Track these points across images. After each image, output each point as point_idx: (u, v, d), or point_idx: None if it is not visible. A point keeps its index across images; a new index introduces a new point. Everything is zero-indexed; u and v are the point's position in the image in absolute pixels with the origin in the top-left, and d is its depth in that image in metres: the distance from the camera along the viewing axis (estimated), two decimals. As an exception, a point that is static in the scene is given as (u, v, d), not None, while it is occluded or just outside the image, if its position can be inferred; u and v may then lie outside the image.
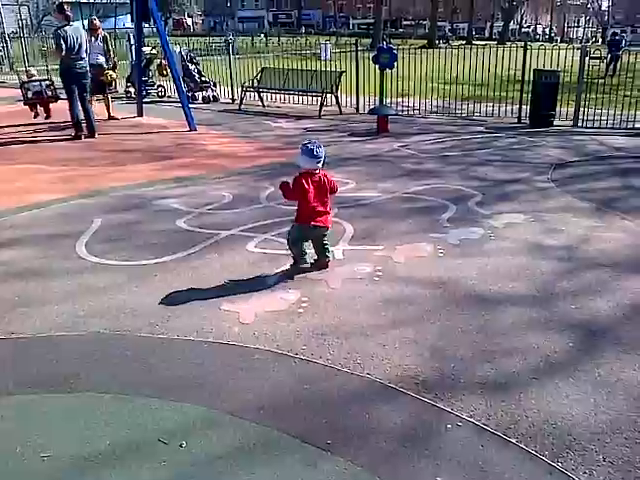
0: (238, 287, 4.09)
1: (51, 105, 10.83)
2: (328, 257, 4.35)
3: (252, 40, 30.10)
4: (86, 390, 2.91)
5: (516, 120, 11.35)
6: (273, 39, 33.27)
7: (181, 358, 3.20)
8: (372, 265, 4.43)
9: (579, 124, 10.77)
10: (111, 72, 11.40)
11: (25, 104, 10.64)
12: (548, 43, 23.86)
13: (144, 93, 15.11)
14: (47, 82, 10.69)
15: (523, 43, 11.57)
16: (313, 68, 13.29)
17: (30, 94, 10.34)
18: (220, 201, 6.25)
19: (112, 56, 11.47)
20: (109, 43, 11.32)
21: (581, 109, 10.88)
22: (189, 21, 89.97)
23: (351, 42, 14.27)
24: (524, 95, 11.28)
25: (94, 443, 2.53)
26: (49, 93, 10.52)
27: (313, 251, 4.37)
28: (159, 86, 15.63)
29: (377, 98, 11.37)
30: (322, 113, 12.28)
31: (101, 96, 11.61)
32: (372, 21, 55.87)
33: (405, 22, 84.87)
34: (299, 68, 13.31)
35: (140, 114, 12.35)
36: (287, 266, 4.40)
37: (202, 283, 4.16)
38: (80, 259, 4.62)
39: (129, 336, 3.44)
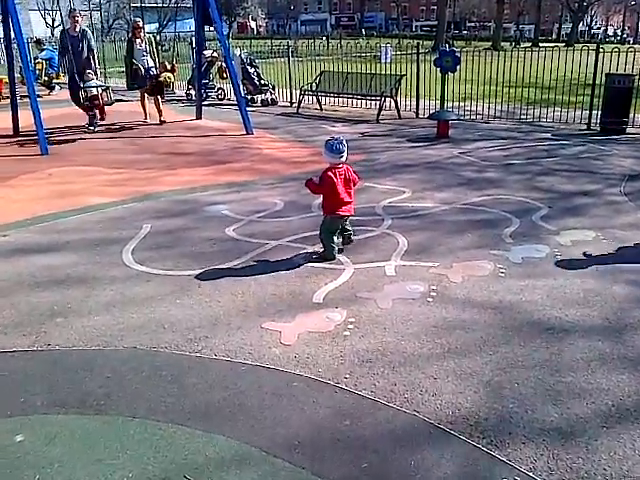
0: (282, 302, 3.89)
1: (107, 108, 10.96)
2: (351, 234, 4.80)
3: (314, 43, 30.08)
4: (115, 413, 2.76)
5: (585, 127, 10.74)
6: (334, 42, 33.13)
7: (216, 381, 3.02)
8: (426, 284, 4.14)
9: (656, 132, 10.09)
10: (169, 74, 11.46)
11: (81, 107, 10.77)
12: (621, 45, 22.77)
13: (204, 96, 15.31)
14: (103, 86, 10.84)
15: (595, 45, 10.92)
16: (373, 71, 13.02)
17: (86, 97, 10.46)
18: (271, 208, 6.08)
19: (158, 59, 11.53)
20: (154, 45, 11.39)
21: (658, 116, 10.19)
22: (253, 24, 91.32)
23: (413, 45, 13.93)
24: (594, 100, 10.66)
25: (114, 476, 2.37)
26: (104, 98, 10.63)
27: (340, 241, 4.77)
28: (219, 89, 15.74)
29: (438, 102, 11.01)
30: (380, 117, 12.00)
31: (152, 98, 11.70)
32: (435, 23, 54.97)
33: (469, 24, 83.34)
34: (358, 71, 13.08)
35: (199, 117, 12.41)
36: (315, 252, 4.74)
37: (246, 297, 3.98)
38: (125, 267, 4.53)
39: (165, 354, 3.28)
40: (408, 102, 12.68)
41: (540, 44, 35.75)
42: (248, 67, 14.64)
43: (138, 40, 11.10)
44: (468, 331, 3.48)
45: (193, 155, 8.92)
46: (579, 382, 2.97)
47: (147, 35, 11.49)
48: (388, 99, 12.22)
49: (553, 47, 11.94)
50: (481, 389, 2.92)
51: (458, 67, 10.47)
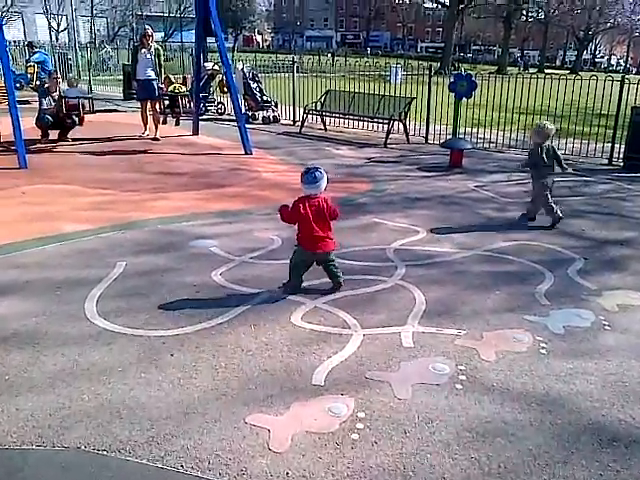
0: (274, 383, 3.11)
1: (86, 117, 10.23)
2: (340, 278, 4.31)
3: (319, 59, 29.58)
4: None
5: (607, 161, 10.03)
6: (340, 59, 32.65)
7: (181, 511, 2.24)
8: (452, 362, 3.37)
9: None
10: (177, 85, 10.67)
11: (60, 116, 10.03)
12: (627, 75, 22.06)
13: (203, 110, 14.61)
14: (86, 97, 10.19)
15: (620, 77, 10.25)
16: (380, 91, 12.33)
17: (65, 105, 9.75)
18: (266, 246, 5.31)
19: (163, 71, 10.76)
20: (161, 57, 10.59)
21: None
22: (259, 38, 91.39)
23: (423, 66, 13.29)
24: (610, 131, 9.97)
25: None
26: (86, 107, 9.93)
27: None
28: (219, 103, 15.04)
29: (448, 127, 10.31)
30: (388, 141, 11.29)
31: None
32: (440, 45, 54.69)
33: (474, 47, 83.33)
34: (366, 92, 12.39)
35: (195, 132, 11.68)
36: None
37: (228, 372, 3.20)
38: (86, 321, 3.74)
39: (116, 461, 2.49)
40: (416, 126, 11.99)
41: (545, 70, 35.37)
42: (250, 82, 13.95)
43: (144, 50, 10.32)
44: (512, 440, 2.70)
45: (186, 176, 8.18)
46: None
47: (155, 45, 10.62)
48: (396, 122, 11.54)
49: (560, 75, 11.32)
50: None
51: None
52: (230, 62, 15.15)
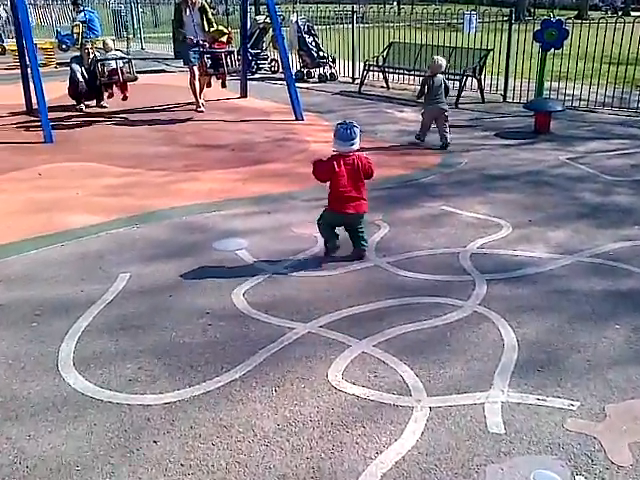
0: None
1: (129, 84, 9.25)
2: (364, 246, 4.06)
3: (384, 8, 27.58)
4: None
5: None
6: (406, 7, 30.44)
7: None
8: (566, 470, 2.22)
9: None
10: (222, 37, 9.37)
11: (99, 85, 9.10)
12: None
13: (254, 68, 13.48)
14: (125, 59, 9.18)
15: None
16: (449, 43, 10.78)
17: (103, 72, 8.80)
18: (308, 249, 4.24)
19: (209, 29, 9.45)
20: (208, 13, 9.22)
21: None
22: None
23: (497, 12, 11.59)
24: None
25: None
26: (125, 73, 8.95)
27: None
28: (272, 60, 13.82)
29: (529, 83, 8.77)
30: (459, 100, 9.84)
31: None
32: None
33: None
34: (434, 44, 10.86)
35: (243, 94, 10.60)
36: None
37: (229, 476, 2.19)
38: (55, 376, 2.80)
39: None
40: (492, 81, 10.42)
41: (632, 13, 31.73)
42: (305, 36, 12.63)
43: (187, 10, 9.00)
44: None
45: (225, 149, 7.15)
46: None
47: (201, 1, 9.02)
48: (470, 78, 10.04)
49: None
50: None
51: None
52: (280, 14, 13.88)
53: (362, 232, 4.01)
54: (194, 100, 9.32)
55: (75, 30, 14.09)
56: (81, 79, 8.82)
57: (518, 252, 4.16)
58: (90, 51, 8.89)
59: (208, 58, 9.16)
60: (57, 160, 6.59)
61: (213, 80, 9.92)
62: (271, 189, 5.65)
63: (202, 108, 9.26)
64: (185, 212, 5.03)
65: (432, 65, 7.13)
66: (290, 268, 3.94)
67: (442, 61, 7.08)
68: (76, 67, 8.85)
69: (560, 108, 7.87)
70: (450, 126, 7.10)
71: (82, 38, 13.47)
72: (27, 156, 6.77)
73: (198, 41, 8.78)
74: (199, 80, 9.19)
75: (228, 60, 9.36)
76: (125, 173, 6.15)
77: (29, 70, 7.88)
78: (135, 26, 20.74)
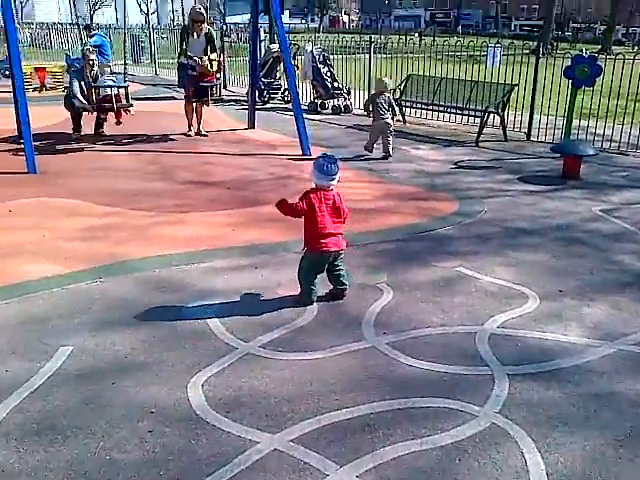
0: None
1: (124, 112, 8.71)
2: (345, 285, 3.82)
3: (405, 39, 27.18)
4: None
5: None
6: (428, 39, 30.10)
7: None
8: None
9: None
10: (210, 64, 8.89)
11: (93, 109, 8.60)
12: None
13: (266, 97, 12.99)
14: (121, 86, 8.70)
15: None
16: (471, 76, 10.14)
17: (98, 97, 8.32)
18: (293, 321, 3.54)
19: (216, 58, 9.02)
20: (215, 41, 8.85)
21: None
22: (345, 19, 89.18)
23: (520, 45, 10.98)
24: None
25: None
26: (122, 100, 8.46)
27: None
28: (285, 89, 13.29)
29: (555, 120, 8.07)
30: (480, 139, 9.17)
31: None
32: (537, 23, 50.10)
33: (572, 24, 76.84)
34: (455, 77, 10.23)
35: (251, 125, 10.06)
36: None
37: None
38: None
39: None
40: (515, 117, 9.72)
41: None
42: (320, 66, 12.10)
43: (195, 34, 8.61)
44: None
45: (221, 187, 6.53)
46: None
47: (207, 28, 8.77)
48: (492, 114, 9.38)
49: None
50: None
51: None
52: (295, 44, 13.46)
53: (341, 269, 3.81)
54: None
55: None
56: (79, 96, 8.28)
57: (547, 335, 3.41)
58: (93, 62, 8.38)
59: (195, 87, 8.81)
60: (34, 194, 6.00)
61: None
62: (264, 237, 4.98)
63: (190, 133, 9.25)
64: (160, 263, 4.37)
65: (378, 84, 8.18)
66: (268, 345, 3.24)
67: (388, 81, 8.11)
68: (75, 84, 8.35)
69: (592, 152, 7.12)
70: (469, 167, 6.42)
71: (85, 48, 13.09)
72: (3, 188, 6.20)
73: (193, 65, 8.59)
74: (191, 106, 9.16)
75: (213, 90, 9.45)
76: (107, 213, 5.52)
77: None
78: (152, 52, 20.55)
